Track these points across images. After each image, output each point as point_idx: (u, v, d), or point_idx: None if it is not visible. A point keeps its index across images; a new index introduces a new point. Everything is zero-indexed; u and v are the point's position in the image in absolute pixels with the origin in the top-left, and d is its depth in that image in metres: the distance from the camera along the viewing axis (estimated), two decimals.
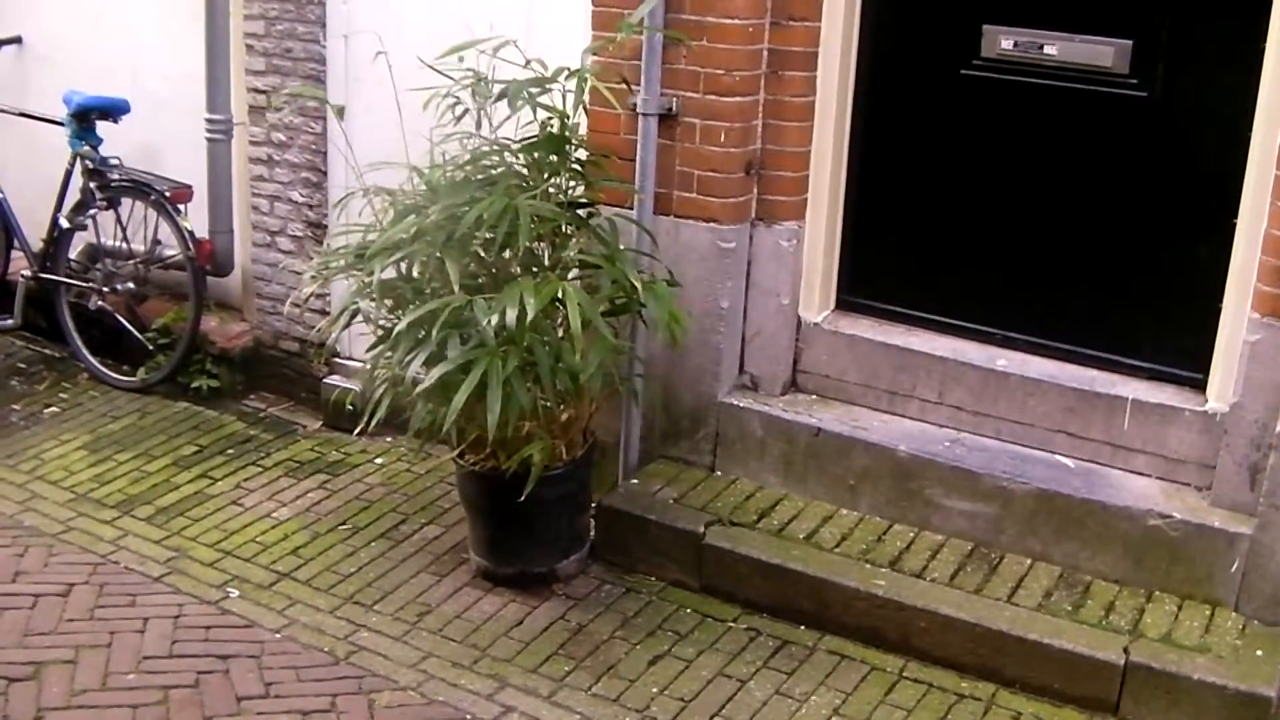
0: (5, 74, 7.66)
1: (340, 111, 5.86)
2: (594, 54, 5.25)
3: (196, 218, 6.81)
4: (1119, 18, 5.00)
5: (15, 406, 6.78)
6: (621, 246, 5.25)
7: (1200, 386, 5.08)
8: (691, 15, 5.28)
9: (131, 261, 7.02)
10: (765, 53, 5.39)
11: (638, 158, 5.47)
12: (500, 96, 5.13)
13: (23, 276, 7.32)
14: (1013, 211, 5.34)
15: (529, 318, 4.61)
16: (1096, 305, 5.26)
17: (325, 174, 6.59)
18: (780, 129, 5.46)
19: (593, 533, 5.50)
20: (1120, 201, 5.13)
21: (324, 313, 6.28)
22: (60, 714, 4.55)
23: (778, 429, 5.55)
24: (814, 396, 5.71)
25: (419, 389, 4.78)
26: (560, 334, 4.89)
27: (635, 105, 5.42)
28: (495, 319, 4.65)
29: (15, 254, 7.45)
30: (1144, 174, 5.07)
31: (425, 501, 5.95)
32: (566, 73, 5.23)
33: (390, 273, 5.10)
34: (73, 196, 7.04)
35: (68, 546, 5.52)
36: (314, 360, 6.74)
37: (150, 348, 6.99)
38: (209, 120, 6.79)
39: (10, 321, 7.40)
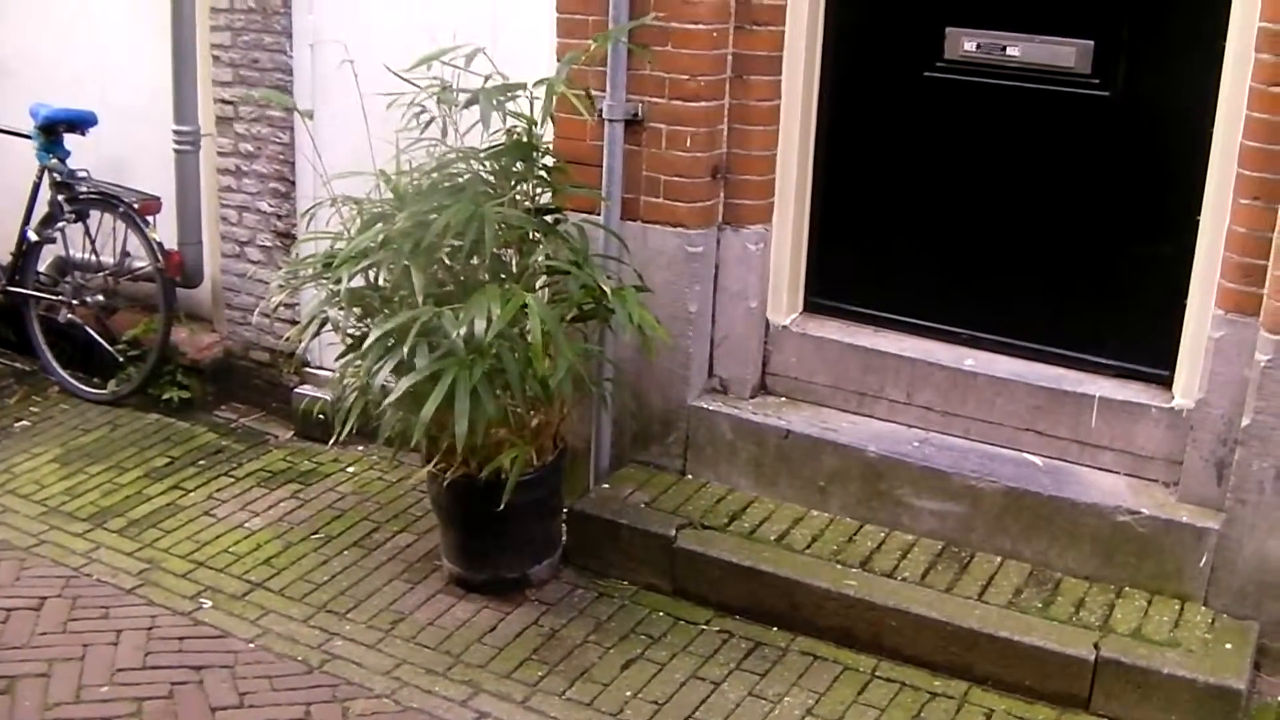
0: None
1: (309, 114, 5.86)
2: (573, 63, 5.25)
3: (165, 229, 6.81)
4: (1080, 18, 5.03)
5: None
6: (590, 252, 5.26)
7: (1167, 383, 5.12)
8: (656, 22, 5.30)
9: (101, 274, 7.02)
10: (730, 58, 5.42)
11: (604, 164, 5.49)
12: (468, 104, 5.14)
13: None
14: (978, 212, 5.37)
15: (495, 331, 4.63)
16: (1063, 304, 5.29)
17: (293, 184, 6.59)
18: (746, 133, 5.49)
19: (564, 538, 5.50)
20: (1084, 200, 5.17)
21: (294, 322, 6.27)
22: None
23: (747, 432, 5.57)
24: (783, 399, 5.74)
25: (389, 399, 4.78)
26: (529, 341, 4.90)
27: (601, 111, 5.44)
28: (463, 330, 4.67)
29: None
30: (1107, 173, 5.11)
31: (397, 509, 5.95)
32: (534, 80, 5.23)
33: (359, 281, 5.11)
34: (41, 209, 7.03)
35: (40, 560, 5.51)
36: (284, 370, 6.73)
37: (120, 360, 6.99)
38: (176, 131, 6.79)
39: None
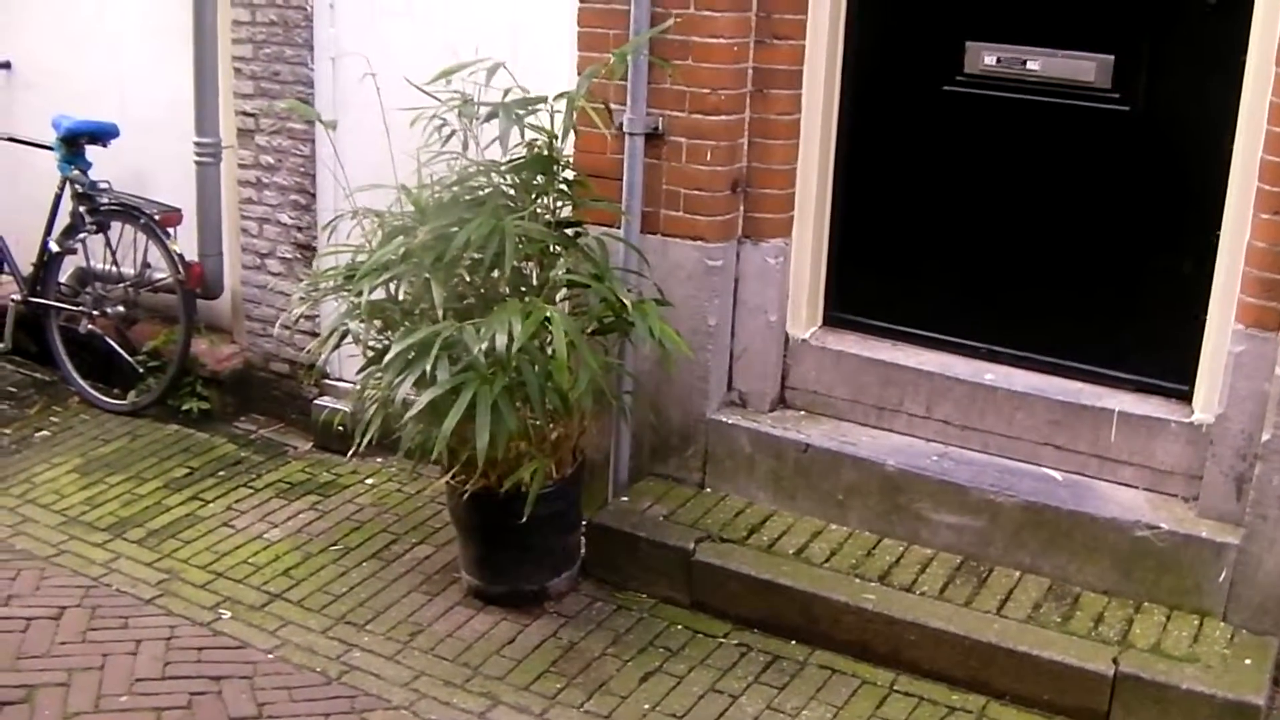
0: None
1: (333, 125, 5.87)
2: (593, 77, 5.25)
3: (186, 241, 6.83)
4: (1101, 33, 5.04)
5: (6, 430, 6.79)
6: (610, 266, 5.28)
7: (1186, 398, 5.11)
8: (676, 35, 5.31)
9: (121, 285, 7.04)
10: (750, 71, 5.43)
11: (625, 177, 5.51)
12: (489, 118, 5.15)
13: (12, 301, 7.35)
14: (998, 226, 5.37)
15: (516, 346, 4.64)
16: (1082, 318, 5.29)
17: (314, 196, 6.61)
18: (766, 147, 5.50)
19: (583, 550, 5.51)
20: (1104, 214, 5.17)
21: (314, 334, 6.29)
22: None
23: (766, 445, 5.57)
24: (802, 412, 5.74)
25: (410, 413, 4.79)
26: (550, 354, 4.91)
27: (622, 125, 5.46)
28: (485, 344, 4.68)
29: (4, 278, 7.45)
30: (1127, 187, 5.11)
31: (416, 521, 5.96)
32: (555, 94, 5.25)
33: (379, 293, 5.12)
34: (62, 221, 7.06)
35: (59, 569, 5.53)
36: (304, 382, 6.76)
37: (140, 371, 7.01)
38: (198, 143, 6.82)
39: (0, 345, 7.42)
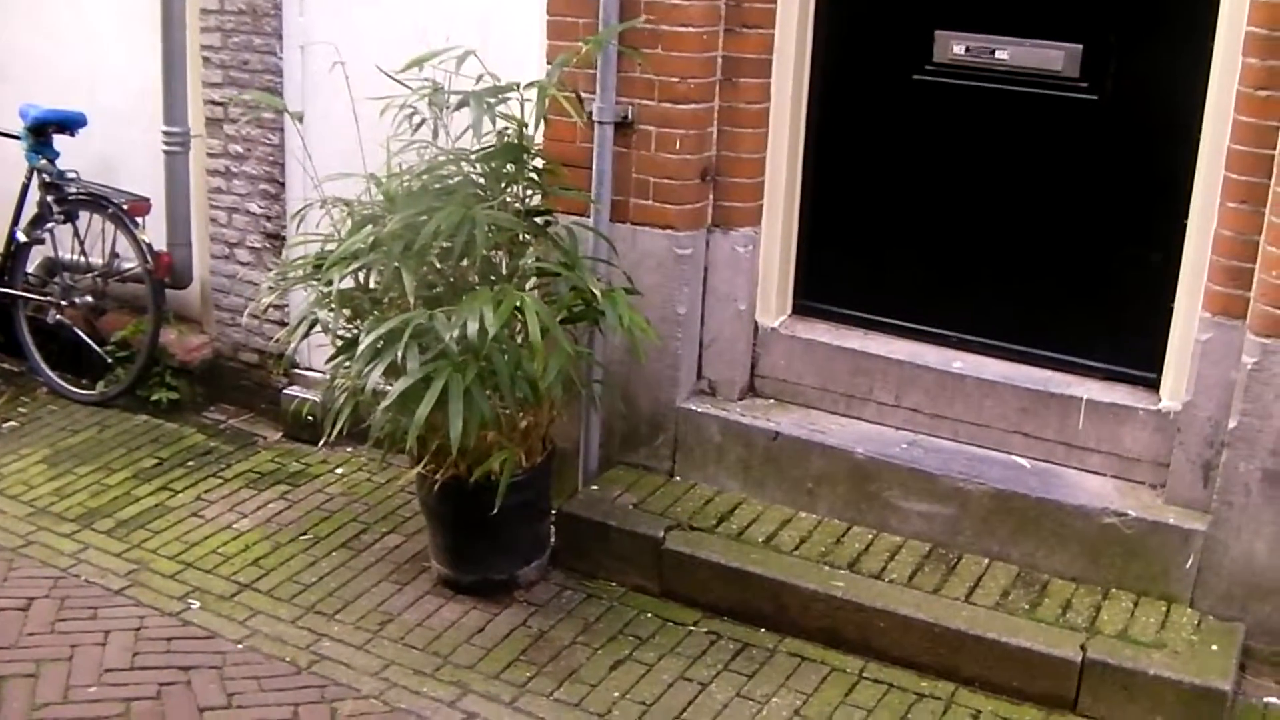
0: None
1: (299, 117, 5.86)
2: (564, 65, 5.25)
3: (154, 230, 6.80)
4: (1069, 22, 5.06)
5: None
6: (580, 254, 5.27)
7: (1154, 386, 5.13)
8: (646, 24, 5.31)
9: (90, 275, 7.01)
10: (720, 60, 5.43)
11: (594, 166, 5.50)
12: (459, 106, 5.14)
13: None
14: (967, 215, 5.39)
15: (492, 334, 4.63)
16: (1051, 307, 5.31)
17: (283, 185, 6.59)
18: (735, 135, 5.50)
19: (553, 539, 5.51)
20: (1073, 203, 5.19)
21: (283, 324, 6.28)
22: None
23: (736, 434, 5.58)
24: (772, 401, 5.74)
25: (383, 403, 4.78)
26: (520, 342, 4.90)
27: (591, 114, 5.45)
28: (456, 332, 4.67)
29: None
30: (1096, 176, 5.13)
31: (386, 510, 5.96)
32: (525, 83, 5.24)
33: (349, 282, 5.11)
34: (30, 210, 7.02)
35: (28, 560, 5.50)
36: (273, 371, 6.74)
37: (109, 361, 6.98)
38: (166, 133, 6.79)
39: None
